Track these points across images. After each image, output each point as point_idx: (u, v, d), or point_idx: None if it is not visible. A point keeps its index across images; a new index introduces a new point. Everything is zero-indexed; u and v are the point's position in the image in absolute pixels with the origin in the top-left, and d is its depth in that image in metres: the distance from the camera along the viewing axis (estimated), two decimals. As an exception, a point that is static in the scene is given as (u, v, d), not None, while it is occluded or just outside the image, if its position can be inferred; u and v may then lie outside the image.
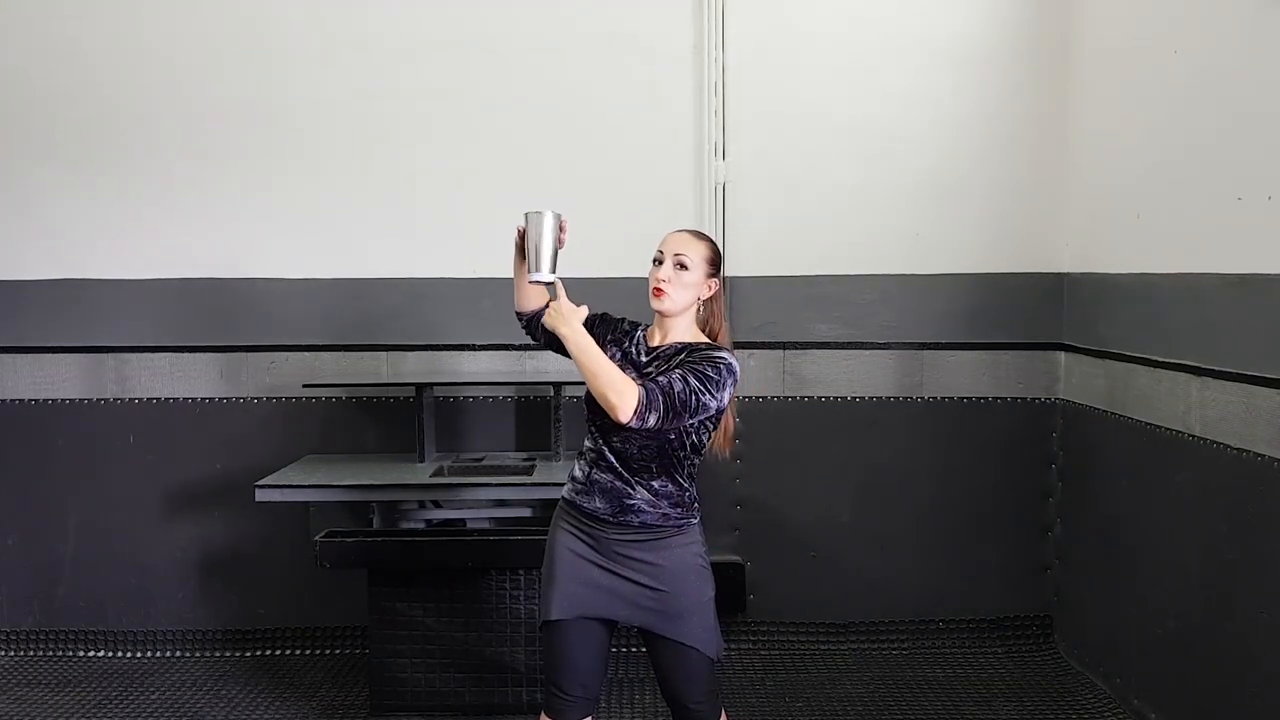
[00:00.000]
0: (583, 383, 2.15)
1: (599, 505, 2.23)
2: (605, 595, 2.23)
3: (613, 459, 2.22)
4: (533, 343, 2.41)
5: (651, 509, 2.22)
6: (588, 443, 2.30)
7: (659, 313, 2.27)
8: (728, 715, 2.38)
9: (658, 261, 2.26)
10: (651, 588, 2.22)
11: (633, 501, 2.21)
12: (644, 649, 2.55)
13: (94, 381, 3.82)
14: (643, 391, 2.07)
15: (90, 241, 3.76)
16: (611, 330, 2.33)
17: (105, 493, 3.83)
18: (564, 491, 2.34)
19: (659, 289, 2.23)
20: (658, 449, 2.20)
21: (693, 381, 2.10)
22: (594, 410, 2.22)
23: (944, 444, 3.82)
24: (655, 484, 2.22)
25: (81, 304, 3.78)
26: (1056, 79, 3.68)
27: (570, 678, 2.26)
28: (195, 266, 3.77)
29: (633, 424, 2.07)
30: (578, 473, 2.30)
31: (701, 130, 3.71)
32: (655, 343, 2.29)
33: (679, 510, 2.25)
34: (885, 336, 3.80)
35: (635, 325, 2.35)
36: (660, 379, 2.11)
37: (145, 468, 3.83)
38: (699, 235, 2.30)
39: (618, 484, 2.22)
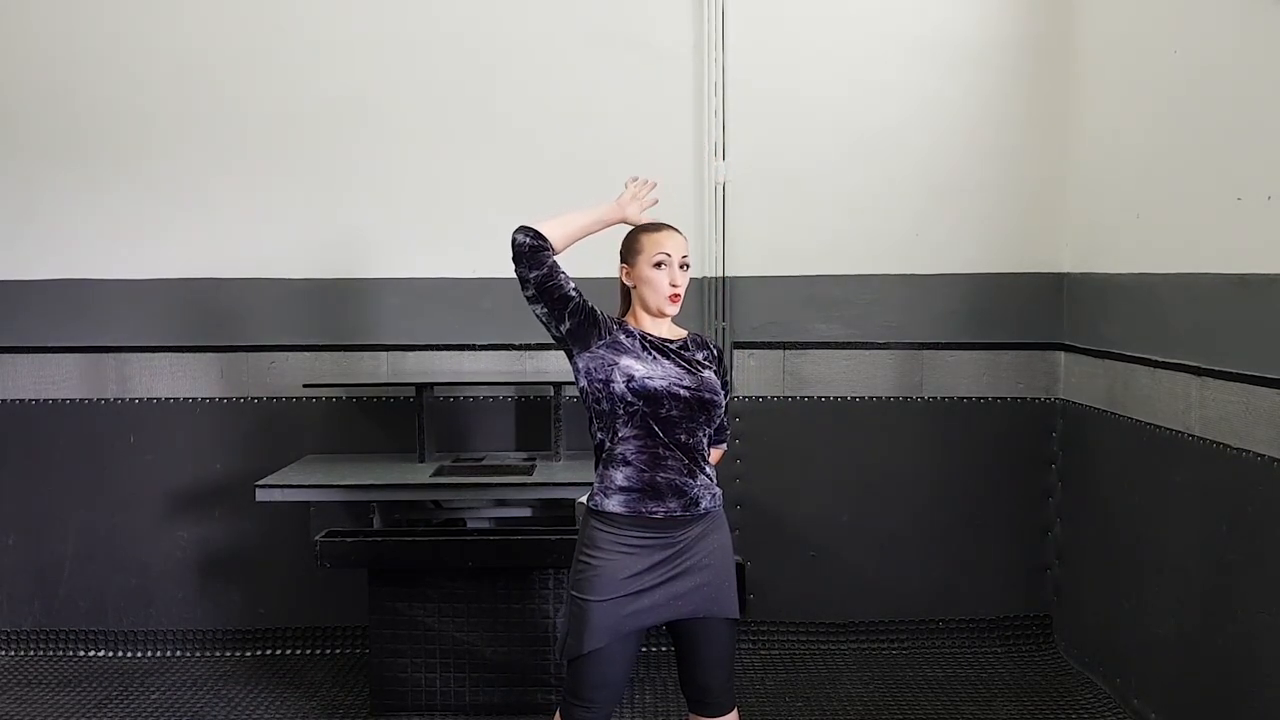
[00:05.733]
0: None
1: (672, 505, 2.16)
2: (656, 604, 2.15)
3: (679, 452, 2.17)
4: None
5: (707, 491, 2.23)
6: (626, 447, 2.16)
7: (669, 315, 2.26)
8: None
9: (661, 265, 2.21)
10: (711, 572, 2.21)
11: (698, 490, 2.19)
12: (648, 649, 2.52)
13: (94, 381, 3.82)
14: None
15: (91, 242, 3.76)
16: (608, 331, 2.22)
17: (105, 493, 3.83)
18: (607, 506, 2.16)
19: (679, 295, 2.23)
20: (710, 432, 2.24)
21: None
22: (654, 405, 2.13)
23: (944, 444, 3.82)
24: (708, 467, 2.24)
25: (82, 304, 3.78)
26: (1056, 79, 3.68)
27: (609, 695, 2.18)
28: (195, 266, 3.77)
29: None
30: (624, 481, 2.15)
31: (701, 130, 3.71)
32: (668, 335, 2.26)
33: (718, 487, 2.28)
34: (885, 336, 3.80)
35: (612, 319, 2.26)
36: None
37: (145, 468, 3.83)
38: (679, 230, 2.30)
39: (683, 477, 2.17)
